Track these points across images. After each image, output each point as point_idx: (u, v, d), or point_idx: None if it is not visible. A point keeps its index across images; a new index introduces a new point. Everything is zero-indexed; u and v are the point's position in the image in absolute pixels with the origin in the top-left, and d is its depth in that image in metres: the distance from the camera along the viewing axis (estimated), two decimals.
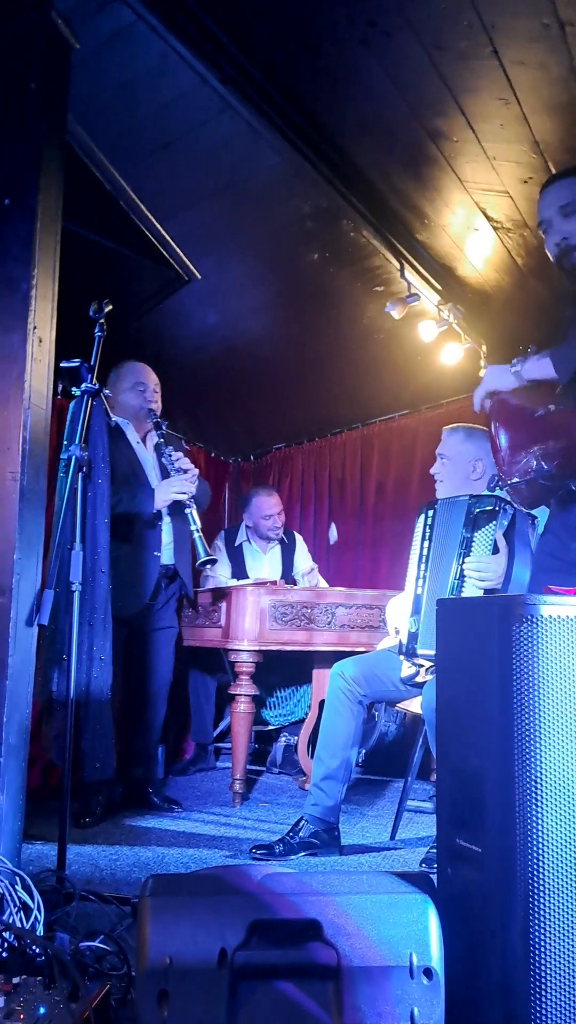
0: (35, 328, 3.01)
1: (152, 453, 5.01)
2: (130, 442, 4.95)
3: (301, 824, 3.95)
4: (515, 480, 2.98)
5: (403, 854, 4.04)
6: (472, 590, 3.68)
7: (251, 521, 6.43)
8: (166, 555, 4.92)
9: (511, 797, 1.91)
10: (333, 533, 6.58)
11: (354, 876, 2.12)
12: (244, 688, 5.02)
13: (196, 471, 4.95)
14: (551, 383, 2.98)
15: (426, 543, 4.03)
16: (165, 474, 4.91)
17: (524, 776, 1.90)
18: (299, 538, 6.70)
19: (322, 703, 5.08)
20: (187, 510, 4.81)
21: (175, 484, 4.80)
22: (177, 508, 4.86)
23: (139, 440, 5.01)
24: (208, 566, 4.90)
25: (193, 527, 4.79)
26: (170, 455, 4.89)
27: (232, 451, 8.35)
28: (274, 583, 5.56)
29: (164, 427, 4.96)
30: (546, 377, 2.99)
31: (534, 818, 1.88)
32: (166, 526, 4.92)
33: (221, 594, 5.23)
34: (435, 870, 3.48)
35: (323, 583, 6.55)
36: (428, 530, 4.04)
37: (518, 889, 1.87)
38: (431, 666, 3.89)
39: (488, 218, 4.65)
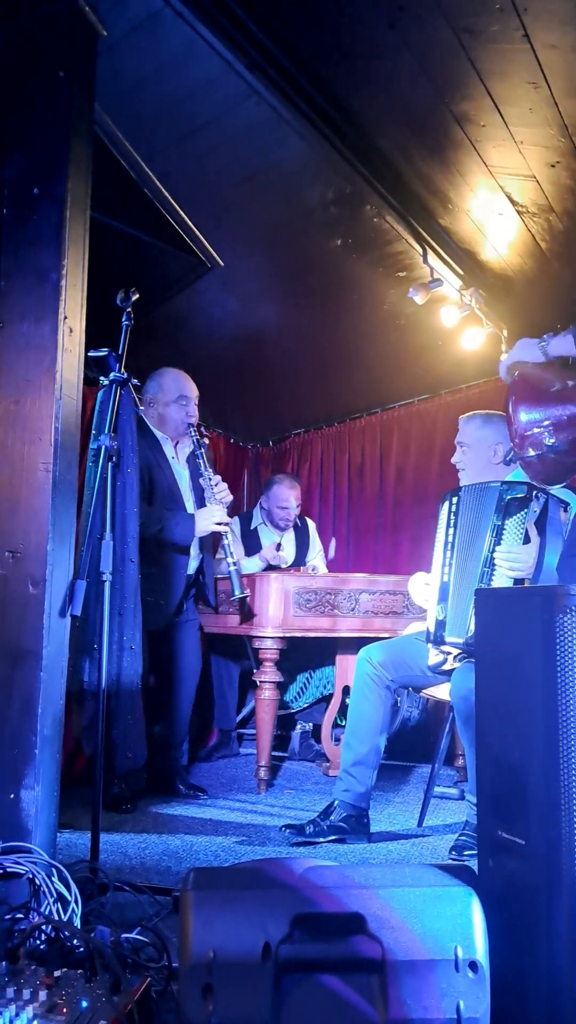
0: (66, 318, 3.01)
1: (185, 466, 5.04)
2: (167, 457, 4.96)
3: (333, 807, 3.97)
4: (529, 454, 2.98)
5: (432, 841, 4.04)
6: (502, 579, 3.66)
7: (267, 505, 6.43)
8: (191, 567, 4.98)
9: (556, 789, 1.90)
10: (332, 549, 6.60)
11: (396, 869, 2.13)
12: (268, 675, 5.02)
13: (231, 499, 4.98)
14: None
15: (451, 530, 4.01)
16: (199, 491, 4.94)
17: (569, 767, 1.89)
18: (311, 523, 6.70)
19: (346, 689, 5.10)
20: (224, 541, 4.84)
21: (215, 515, 4.82)
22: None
23: (175, 455, 5.03)
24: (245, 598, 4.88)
25: (230, 560, 4.79)
26: (209, 480, 4.89)
27: (251, 437, 8.33)
28: (298, 569, 5.56)
29: (206, 446, 4.98)
30: (568, 353, 3.00)
31: None
32: (195, 540, 4.94)
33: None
34: (466, 858, 3.51)
35: (322, 568, 6.56)
36: (453, 517, 4.02)
37: (564, 882, 1.86)
38: (459, 653, 3.88)
39: (513, 202, 4.62)
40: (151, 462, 4.81)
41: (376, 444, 7.57)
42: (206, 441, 4.99)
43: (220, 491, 4.89)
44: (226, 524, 4.83)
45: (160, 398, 4.96)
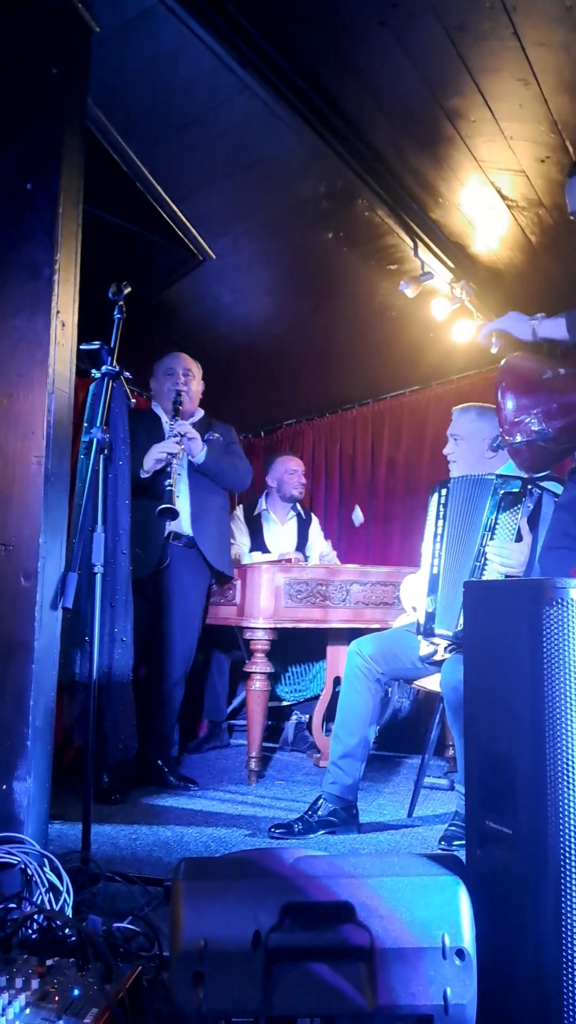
0: (58, 312, 3.02)
1: None
2: (162, 425, 5.07)
3: (319, 802, 3.97)
4: (517, 440, 3.00)
5: (421, 831, 4.06)
6: (494, 574, 3.67)
7: (274, 481, 6.43)
8: (183, 524, 4.98)
9: (542, 779, 1.92)
10: (358, 515, 6.58)
11: (385, 858, 2.14)
12: (259, 666, 5.03)
13: (194, 436, 4.98)
14: (565, 349, 3.03)
15: (441, 522, 4.00)
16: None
17: (556, 758, 1.90)
18: (315, 518, 6.70)
19: (337, 680, 5.11)
20: (169, 468, 4.86)
21: (161, 445, 4.90)
22: (200, 480, 4.98)
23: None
24: (168, 517, 4.83)
25: (167, 481, 4.80)
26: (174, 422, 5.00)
27: (243, 427, 8.32)
28: (288, 561, 5.56)
29: (181, 402, 5.04)
30: (558, 337, 3.02)
31: (566, 800, 1.89)
32: (184, 495, 4.95)
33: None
34: (455, 848, 3.53)
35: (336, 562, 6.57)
36: (442, 508, 4.01)
37: (550, 871, 1.88)
38: (449, 645, 3.89)
39: (503, 197, 4.64)
40: (142, 429, 4.97)
41: (367, 435, 7.59)
42: (181, 399, 5.07)
43: (177, 426, 4.96)
44: (167, 452, 4.86)
45: (155, 376, 5.22)
